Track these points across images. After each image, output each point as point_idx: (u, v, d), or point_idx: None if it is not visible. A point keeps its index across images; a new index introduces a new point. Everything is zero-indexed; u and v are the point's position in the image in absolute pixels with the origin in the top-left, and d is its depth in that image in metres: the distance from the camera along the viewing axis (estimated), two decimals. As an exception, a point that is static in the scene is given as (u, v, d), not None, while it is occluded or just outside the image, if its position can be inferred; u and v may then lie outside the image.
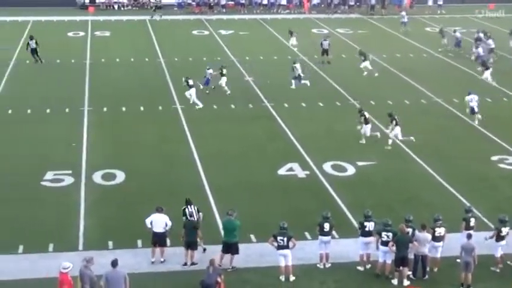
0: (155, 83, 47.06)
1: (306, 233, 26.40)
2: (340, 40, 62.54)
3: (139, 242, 25.72)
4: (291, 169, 33.17)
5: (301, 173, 32.77)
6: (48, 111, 40.78)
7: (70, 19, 70.35)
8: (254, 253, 25.34)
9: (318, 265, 24.71)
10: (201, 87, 44.15)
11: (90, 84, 46.07)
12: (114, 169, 32.65)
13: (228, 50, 57.00)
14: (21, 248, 25.44)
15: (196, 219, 25.25)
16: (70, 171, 32.30)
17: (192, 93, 42.14)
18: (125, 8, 77.78)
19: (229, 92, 44.36)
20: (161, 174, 32.41)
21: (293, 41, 58.29)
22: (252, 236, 26.36)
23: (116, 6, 77.79)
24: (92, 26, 67.14)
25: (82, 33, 63.61)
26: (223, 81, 44.79)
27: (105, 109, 41.34)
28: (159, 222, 24.70)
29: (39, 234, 26.53)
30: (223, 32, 65.16)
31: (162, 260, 24.72)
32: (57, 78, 48.09)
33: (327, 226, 24.55)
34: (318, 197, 30.31)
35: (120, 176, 32.03)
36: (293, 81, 46.31)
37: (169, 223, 24.83)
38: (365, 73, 49.90)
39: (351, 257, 24.98)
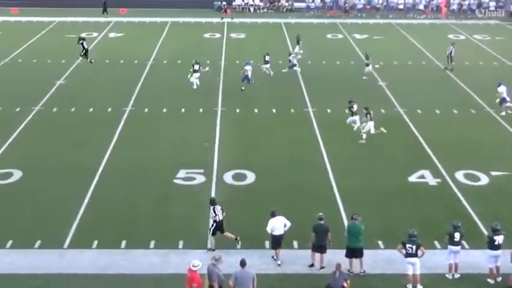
0: (288, 85, 47.27)
1: (436, 242, 25.94)
2: (477, 46, 61.18)
3: (267, 243, 25.88)
4: (422, 176, 32.63)
5: (432, 181, 32.19)
6: (183, 110, 41.63)
7: (207, 21, 71.70)
8: (381, 259, 25.08)
9: (446, 275, 24.22)
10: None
11: (224, 85, 46.71)
12: (244, 170, 33.01)
13: (362, 54, 56.63)
14: (152, 244, 26.09)
15: (220, 219, 25.58)
16: (202, 170, 32.88)
17: (194, 77, 45.97)
18: (261, 11, 78.58)
19: (271, 73, 48.59)
20: (291, 176, 32.52)
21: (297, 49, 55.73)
22: (380, 243, 26.10)
23: (252, 9, 78.71)
24: (228, 28, 68.21)
25: (218, 35, 64.71)
26: (267, 66, 48.88)
27: (238, 110, 41.84)
28: (278, 225, 24.84)
29: (170, 231, 27.13)
30: (357, 36, 64.85)
31: (276, 259, 24.88)
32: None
33: (457, 236, 24.05)
34: (448, 206, 29.70)
35: (250, 177, 32.35)
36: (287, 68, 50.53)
37: (288, 223, 24.95)
38: (365, 77, 49.24)
39: (481, 269, 24.33)
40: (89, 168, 33.00)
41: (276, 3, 79.30)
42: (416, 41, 62.51)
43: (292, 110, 41.91)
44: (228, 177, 32.34)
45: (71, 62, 53.16)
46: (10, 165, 33.42)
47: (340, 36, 65.05)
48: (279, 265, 24.68)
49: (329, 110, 41.78)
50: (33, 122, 39.80)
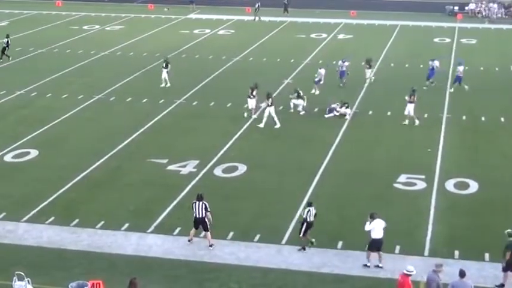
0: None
1: None
2: None
3: (486, 256, 25.15)
4: None
5: None
6: (425, 115, 41.08)
7: (437, 25, 70.51)
8: None
9: None
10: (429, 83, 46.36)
11: (450, 92, 45.82)
12: (467, 178, 32.20)
13: None
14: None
15: (201, 216, 25.46)
16: (423, 176, 32.42)
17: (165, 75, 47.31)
18: (495, 16, 76.22)
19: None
20: (515, 188, 31.45)
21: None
22: None
23: (484, 14, 76.60)
24: (458, 33, 66.71)
25: (447, 40, 63.46)
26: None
27: (464, 117, 40.89)
28: (379, 228, 24.38)
29: (387, 235, 26.76)
30: None
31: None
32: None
33: None
34: None
35: (473, 186, 31.51)
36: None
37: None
38: (373, 79, 48.73)
39: None
40: (311, 167, 33.53)
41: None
42: None
43: (523, 120, 40.43)
44: (449, 184, 31.69)
45: (300, 61, 54.19)
46: (235, 160, 34.62)
47: None
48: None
49: None
50: (260, 118, 40.79)
